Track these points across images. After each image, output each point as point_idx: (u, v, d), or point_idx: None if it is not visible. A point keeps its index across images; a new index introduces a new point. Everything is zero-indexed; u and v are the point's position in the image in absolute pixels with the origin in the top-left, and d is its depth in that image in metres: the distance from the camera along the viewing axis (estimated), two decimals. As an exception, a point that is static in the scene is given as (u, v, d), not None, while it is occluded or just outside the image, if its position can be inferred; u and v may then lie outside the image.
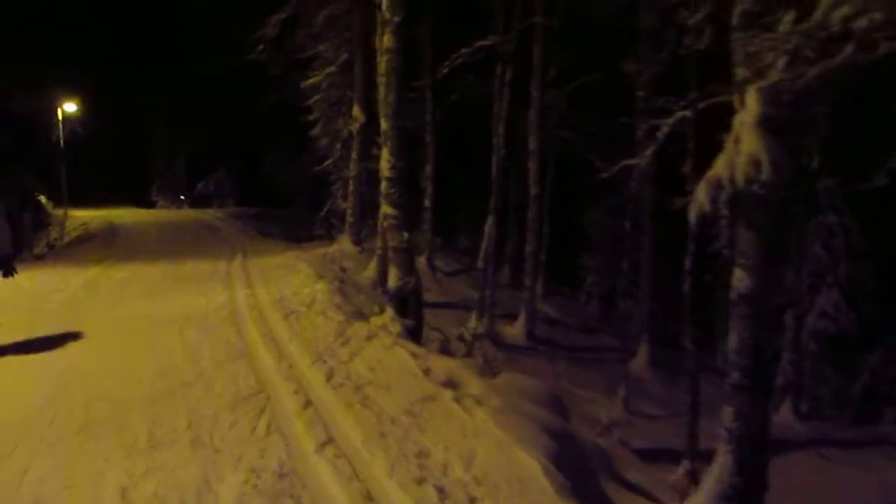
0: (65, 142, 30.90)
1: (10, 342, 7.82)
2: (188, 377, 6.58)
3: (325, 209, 21.68)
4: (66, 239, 25.52)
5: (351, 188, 16.43)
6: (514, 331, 15.05)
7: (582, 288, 23.89)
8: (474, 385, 6.29)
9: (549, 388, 7.71)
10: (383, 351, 7.18)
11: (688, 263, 10.71)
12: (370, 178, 16.62)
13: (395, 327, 8.24)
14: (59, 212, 31.55)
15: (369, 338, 7.85)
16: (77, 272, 13.84)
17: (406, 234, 8.55)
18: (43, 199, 32.44)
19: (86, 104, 32.32)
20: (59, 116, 30.85)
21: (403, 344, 7.36)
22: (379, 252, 13.37)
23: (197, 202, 41.56)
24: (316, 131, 18.63)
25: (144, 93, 38.52)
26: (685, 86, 10.84)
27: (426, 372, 6.57)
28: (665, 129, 7.37)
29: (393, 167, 8.44)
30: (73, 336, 8.21)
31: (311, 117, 18.42)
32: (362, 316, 9.63)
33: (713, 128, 5.65)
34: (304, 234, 28.46)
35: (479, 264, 13.63)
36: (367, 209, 16.72)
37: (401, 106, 8.53)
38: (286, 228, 29.13)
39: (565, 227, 23.13)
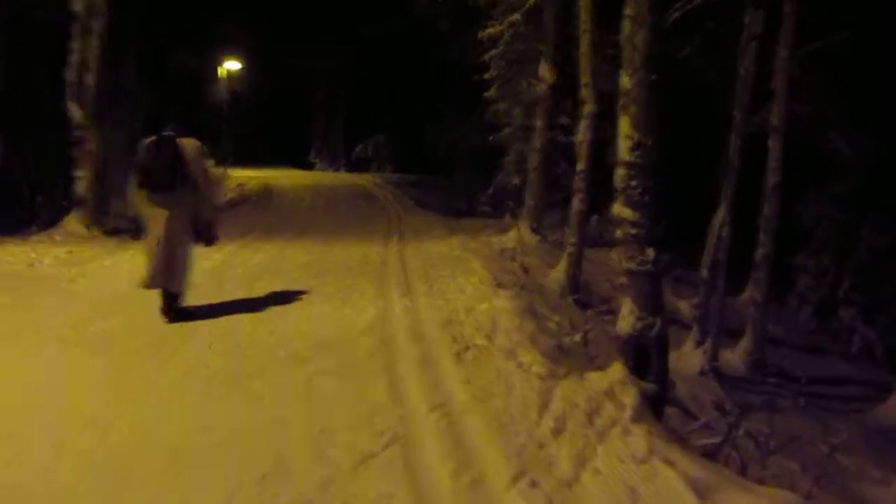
0: (226, 101, 30.35)
1: None
2: (306, 491, 3.91)
3: (494, 185, 18.88)
4: (223, 200, 24.38)
5: (533, 163, 13.48)
6: (733, 356, 11.69)
7: (793, 291, 19.77)
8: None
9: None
10: (632, 464, 4.23)
11: None
12: (556, 151, 13.67)
13: (629, 396, 5.24)
14: (220, 170, 31.22)
15: (591, 415, 4.93)
16: (211, 249, 11.66)
17: (652, 252, 5.50)
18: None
19: (248, 63, 31.80)
20: (222, 74, 30.39)
21: (663, 450, 4.36)
22: (570, 249, 10.40)
23: (354, 166, 40.39)
24: (491, 93, 15.73)
25: (307, 53, 37.67)
26: None
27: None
28: None
29: (637, 146, 5.39)
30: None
31: (486, 76, 15.52)
32: (566, 354, 6.75)
33: None
34: (464, 207, 26.24)
35: (703, 272, 10.38)
36: (552, 189, 13.78)
37: (649, 51, 5.45)
38: (445, 200, 27.06)
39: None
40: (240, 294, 8.58)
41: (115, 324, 7.13)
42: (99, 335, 6.77)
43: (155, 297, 7.25)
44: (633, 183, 5.43)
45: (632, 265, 5.59)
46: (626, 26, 5.43)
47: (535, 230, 13.31)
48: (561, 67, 12.98)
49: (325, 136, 43.52)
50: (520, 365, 5.96)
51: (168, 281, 7.10)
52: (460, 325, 7.29)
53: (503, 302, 7.97)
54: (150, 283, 7.12)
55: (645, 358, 5.62)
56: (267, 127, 42.68)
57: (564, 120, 13.91)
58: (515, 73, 14.76)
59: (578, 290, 10.46)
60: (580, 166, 10.41)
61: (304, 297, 8.59)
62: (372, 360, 6.18)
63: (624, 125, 5.50)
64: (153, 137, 6.75)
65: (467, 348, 6.48)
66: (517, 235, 13.03)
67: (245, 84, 33.98)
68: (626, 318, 5.68)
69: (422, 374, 5.81)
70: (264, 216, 19.57)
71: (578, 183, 10.44)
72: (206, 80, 31.48)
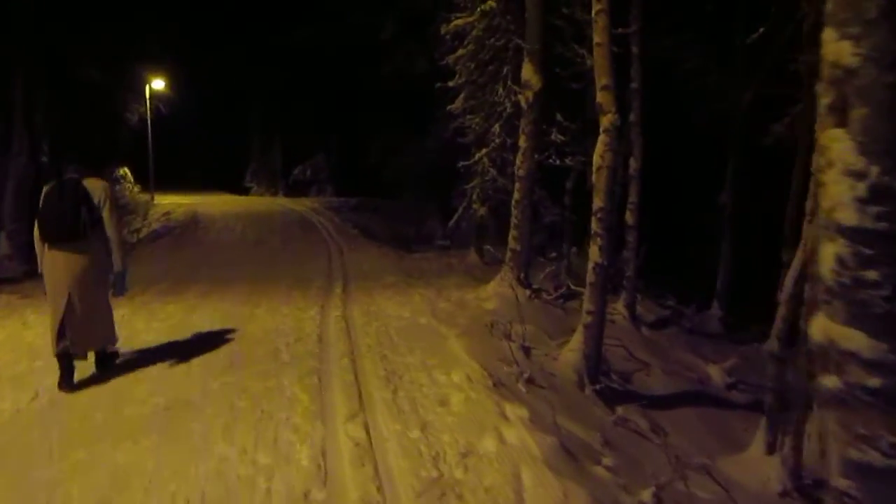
0: (151, 121, 28.01)
1: None
2: None
3: (456, 217, 15.81)
4: (145, 231, 21.35)
5: (518, 195, 10.35)
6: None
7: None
8: None
9: None
10: None
11: None
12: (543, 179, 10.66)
13: None
14: (146, 197, 28.33)
15: None
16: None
17: None
18: (124, 172, 28.59)
19: (175, 81, 30.15)
20: (147, 93, 28.18)
21: None
22: (588, 319, 7.36)
23: (293, 189, 37.35)
24: (457, 105, 12.58)
25: (238, 70, 35.12)
26: None
27: None
28: None
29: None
30: None
31: (451, 83, 12.34)
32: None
33: None
34: (413, 234, 23.54)
35: (773, 345, 7.41)
36: (537, 228, 10.73)
37: None
38: (392, 227, 24.29)
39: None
40: (80, 454, 5.19)
41: None
42: None
43: None
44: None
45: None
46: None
47: (522, 282, 10.20)
48: (550, 68, 9.99)
49: (261, 158, 40.33)
50: None
51: (98, 341, 6.64)
52: (458, 500, 4.13)
53: (521, 435, 4.85)
54: (76, 350, 6.37)
55: None
56: (199, 149, 40.06)
57: (557, 137, 10.86)
58: (490, 78, 11.66)
59: (598, 376, 7.42)
60: (599, 202, 7.38)
61: (192, 427, 5.32)
62: None
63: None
64: (54, 182, 6.26)
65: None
66: (499, 290, 9.92)
67: (173, 103, 31.11)
68: None
69: None
70: (186, 251, 16.58)
71: (597, 225, 7.40)
72: (127, 100, 28.47)
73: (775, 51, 11.87)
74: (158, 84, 28.37)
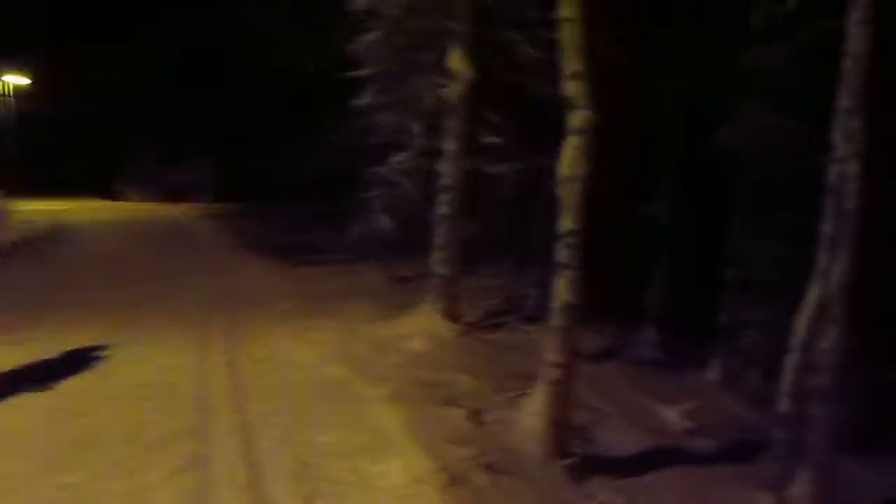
0: (12, 122, 25.42)
1: None
2: None
3: (356, 229, 13.96)
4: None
5: (445, 209, 8.56)
6: None
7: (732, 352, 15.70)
8: None
9: None
10: None
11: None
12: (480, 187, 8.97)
13: None
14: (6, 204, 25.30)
15: None
16: None
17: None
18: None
19: (38, 78, 28.83)
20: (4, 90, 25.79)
21: None
22: (554, 375, 5.71)
23: (172, 194, 34.50)
24: (366, 100, 10.61)
25: (110, 65, 32.16)
26: None
27: None
28: None
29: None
30: None
31: (360, 72, 10.31)
32: None
33: None
34: (303, 242, 21.60)
35: (783, 407, 5.93)
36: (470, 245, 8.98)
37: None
38: (281, 237, 22.21)
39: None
40: None
41: None
42: None
43: None
44: None
45: None
46: None
47: (452, 315, 8.40)
48: (486, 57, 8.29)
49: (137, 160, 37.19)
50: None
51: None
52: None
53: None
54: None
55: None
56: (69, 151, 36.78)
57: (493, 139, 9.11)
58: (408, 68, 9.74)
59: (569, 450, 5.77)
60: (569, 223, 5.71)
61: None
62: None
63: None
64: None
65: None
66: (423, 325, 8.12)
67: (37, 102, 28.36)
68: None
69: None
70: (40, 274, 13.84)
71: (566, 254, 5.72)
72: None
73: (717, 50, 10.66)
74: (19, 80, 27.13)
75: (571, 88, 5.71)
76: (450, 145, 8.44)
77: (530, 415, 5.84)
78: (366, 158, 12.33)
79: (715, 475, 7.63)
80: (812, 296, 5.61)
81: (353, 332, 8.37)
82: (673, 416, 8.90)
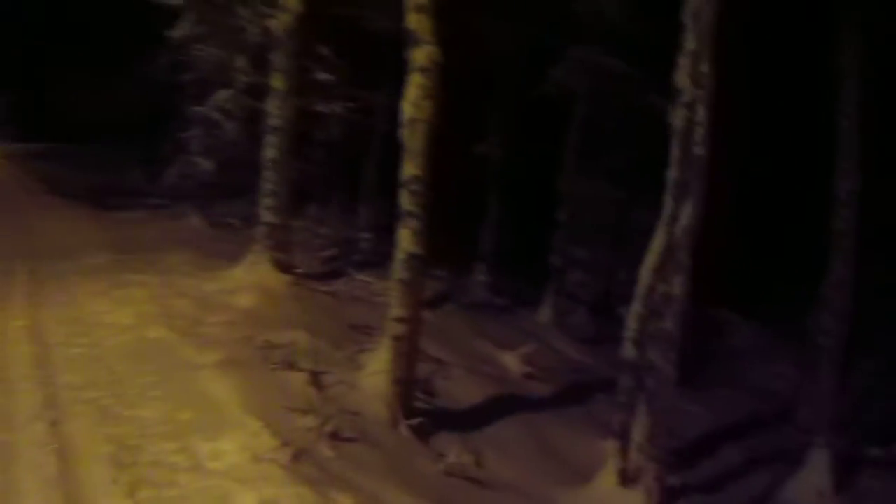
0: None
1: None
2: None
3: (172, 170, 13.01)
4: None
5: (272, 153, 7.94)
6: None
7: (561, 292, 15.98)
8: None
9: None
10: None
11: None
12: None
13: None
14: None
15: None
16: None
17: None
18: None
19: None
20: None
21: None
22: (398, 330, 5.43)
23: (-36, 135, 31.26)
24: (181, 31, 9.60)
25: None
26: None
27: None
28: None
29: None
30: None
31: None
32: None
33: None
34: (115, 185, 20.10)
35: (627, 353, 5.96)
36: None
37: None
38: (88, 179, 20.54)
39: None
40: None
41: None
42: None
43: None
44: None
45: None
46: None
47: (283, 265, 7.88)
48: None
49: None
50: None
51: None
52: None
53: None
54: None
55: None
56: None
57: (324, 76, 8.48)
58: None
59: (414, 407, 5.54)
60: (413, 169, 5.38)
61: None
62: None
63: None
64: None
65: None
66: (253, 278, 7.57)
67: None
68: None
69: None
70: None
71: (410, 201, 5.40)
72: None
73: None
74: None
75: (415, 22, 5.31)
76: (277, 82, 7.81)
77: (374, 374, 5.54)
78: (185, 96, 11.40)
79: (557, 422, 7.72)
80: (657, 241, 5.58)
81: (175, 287, 7.67)
82: (511, 361, 8.93)
